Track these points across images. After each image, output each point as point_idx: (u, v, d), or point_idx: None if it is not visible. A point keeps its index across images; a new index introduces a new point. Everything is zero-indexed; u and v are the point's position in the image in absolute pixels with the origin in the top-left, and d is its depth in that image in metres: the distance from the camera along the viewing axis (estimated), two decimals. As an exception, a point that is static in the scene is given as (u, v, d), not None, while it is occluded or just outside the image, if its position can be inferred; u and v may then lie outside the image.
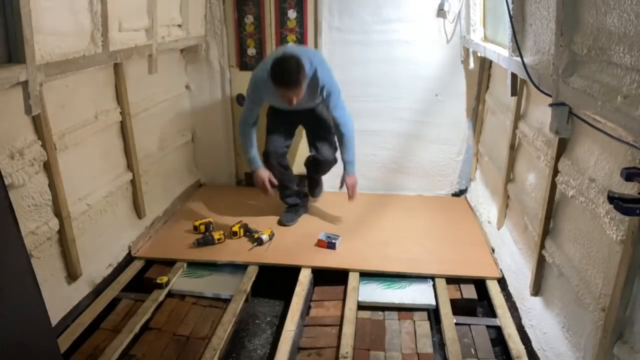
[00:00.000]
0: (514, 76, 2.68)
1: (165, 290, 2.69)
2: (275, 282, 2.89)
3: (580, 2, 1.72)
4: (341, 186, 3.17)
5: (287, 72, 2.68)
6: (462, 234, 3.30)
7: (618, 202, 1.31)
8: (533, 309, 2.35)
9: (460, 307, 2.60)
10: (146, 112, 3.26)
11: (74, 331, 2.32)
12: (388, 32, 3.66)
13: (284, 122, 3.24)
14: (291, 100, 2.79)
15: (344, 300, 2.63)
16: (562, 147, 2.10)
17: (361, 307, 2.61)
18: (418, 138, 3.92)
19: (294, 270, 2.86)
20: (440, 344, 2.42)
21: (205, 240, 3.09)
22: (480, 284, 2.78)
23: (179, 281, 2.82)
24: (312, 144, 3.32)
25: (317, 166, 3.33)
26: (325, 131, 3.25)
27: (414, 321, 2.53)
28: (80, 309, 2.48)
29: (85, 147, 2.62)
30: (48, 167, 2.28)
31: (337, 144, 3.18)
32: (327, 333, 2.43)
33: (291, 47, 3.34)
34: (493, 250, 3.05)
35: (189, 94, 3.97)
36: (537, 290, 2.37)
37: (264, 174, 3.12)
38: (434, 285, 2.76)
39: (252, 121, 3.06)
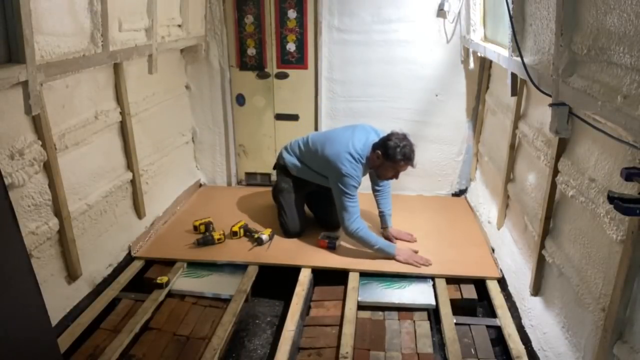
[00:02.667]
0: (514, 76, 2.68)
1: (165, 290, 2.69)
2: (275, 282, 2.90)
3: (580, 2, 1.72)
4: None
5: (414, 150, 2.83)
6: (462, 234, 3.30)
7: (618, 202, 1.31)
8: (533, 309, 2.35)
9: (460, 307, 2.61)
10: (146, 112, 3.26)
11: (74, 331, 2.32)
12: (388, 32, 3.67)
13: (302, 197, 3.25)
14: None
15: (344, 300, 2.64)
16: (562, 147, 2.10)
17: (361, 307, 2.61)
18: (418, 138, 3.86)
19: (294, 270, 2.87)
20: (440, 344, 2.42)
21: (205, 240, 3.09)
22: (480, 284, 2.78)
23: (179, 281, 2.82)
24: (321, 211, 3.30)
25: (331, 229, 3.28)
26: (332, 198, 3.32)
27: (414, 321, 2.53)
28: (80, 309, 2.48)
29: (85, 147, 2.62)
30: (48, 167, 2.28)
31: (377, 199, 3.25)
32: (327, 333, 2.43)
33: (365, 127, 3.12)
34: (493, 250, 3.05)
35: (189, 94, 3.98)
36: (537, 290, 2.37)
37: (408, 250, 2.99)
38: (434, 285, 2.77)
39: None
